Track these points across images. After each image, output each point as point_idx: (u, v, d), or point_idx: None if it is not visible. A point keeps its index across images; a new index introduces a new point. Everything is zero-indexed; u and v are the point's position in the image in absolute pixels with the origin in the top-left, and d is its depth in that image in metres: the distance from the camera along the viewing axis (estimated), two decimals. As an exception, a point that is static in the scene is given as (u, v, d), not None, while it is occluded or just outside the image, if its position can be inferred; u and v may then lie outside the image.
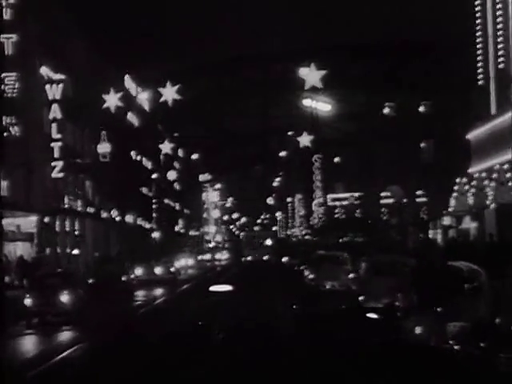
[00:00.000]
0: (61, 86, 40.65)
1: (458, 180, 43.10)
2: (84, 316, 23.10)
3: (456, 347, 13.66)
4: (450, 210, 45.90)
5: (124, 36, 56.74)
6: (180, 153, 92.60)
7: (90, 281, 31.30)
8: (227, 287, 27.62)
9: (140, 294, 33.67)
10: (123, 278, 32.76)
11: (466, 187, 41.43)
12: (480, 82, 37.96)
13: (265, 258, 72.17)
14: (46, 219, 40.87)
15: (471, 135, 42.54)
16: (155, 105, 62.32)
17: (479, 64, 37.47)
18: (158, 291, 35.54)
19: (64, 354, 16.49)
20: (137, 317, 25.27)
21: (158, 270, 40.97)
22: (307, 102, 79.77)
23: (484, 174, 40.15)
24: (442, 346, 13.90)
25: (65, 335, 21.06)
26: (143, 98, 53.85)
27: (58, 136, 40.86)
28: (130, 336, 19.33)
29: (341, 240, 62.11)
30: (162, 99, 29.81)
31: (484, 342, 13.20)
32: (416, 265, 22.34)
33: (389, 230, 56.51)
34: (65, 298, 23.48)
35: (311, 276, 31.02)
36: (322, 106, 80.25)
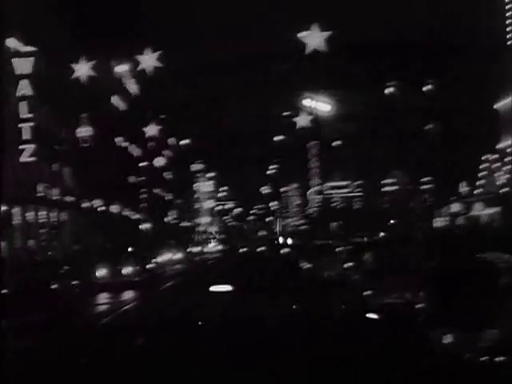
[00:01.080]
0: (31, 59, 36.62)
1: (485, 157, 39.15)
2: None
3: (497, 359, 11.11)
4: (479, 191, 42.14)
5: (118, 32, 52.60)
6: (170, 140, 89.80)
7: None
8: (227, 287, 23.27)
9: (101, 302, 27.03)
10: (54, 286, 24.07)
11: (496, 165, 37.31)
12: (509, 42, 33.44)
13: (259, 249, 69.37)
14: (16, 209, 37.02)
15: (501, 105, 37.96)
16: (144, 87, 58.96)
17: (508, 21, 32.87)
18: (127, 296, 28.64)
19: None
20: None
21: (127, 270, 33.25)
22: (307, 102, 78.82)
23: None
24: (479, 360, 11.16)
25: None
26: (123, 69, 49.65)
27: (28, 116, 36.87)
28: None
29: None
30: (140, 67, 25.77)
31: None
32: (439, 258, 19.62)
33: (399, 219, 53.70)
34: None
35: (307, 266, 29.25)
36: (321, 106, 79.15)
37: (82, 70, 29.10)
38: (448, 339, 11.83)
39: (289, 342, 13.99)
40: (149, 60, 26.56)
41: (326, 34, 26.31)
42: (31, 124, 36.64)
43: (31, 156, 36.64)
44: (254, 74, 74.86)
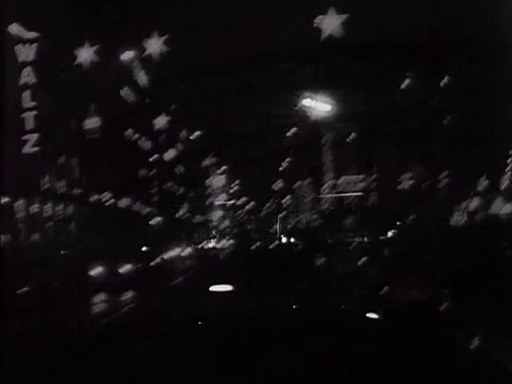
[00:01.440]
0: (34, 45, 35.55)
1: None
2: None
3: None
4: (503, 186, 41.02)
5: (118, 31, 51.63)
6: (182, 133, 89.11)
7: None
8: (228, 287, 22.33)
9: (100, 301, 25.74)
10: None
11: None
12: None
13: (271, 246, 68.57)
14: (20, 202, 35.95)
15: None
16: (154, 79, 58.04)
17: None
18: (130, 294, 27.02)
19: None
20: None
21: (132, 266, 32.01)
22: (307, 102, 78.40)
23: None
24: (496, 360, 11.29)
25: None
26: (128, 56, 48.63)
27: (31, 104, 35.80)
28: None
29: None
30: (145, 53, 24.56)
31: None
32: (466, 254, 19.35)
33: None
34: None
35: (320, 262, 29.50)
36: (321, 106, 78.58)
37: (87, 56, 27.81)
38: (472, 339, 11.46)
39: (298, 341, 13.30)
40: (154, 43, 25.36)
41: (343, 16, 25.25)
42: (34, 113, 35.63)
43: (34, 146, 35.59)
44: (255, 74, 74.52)
